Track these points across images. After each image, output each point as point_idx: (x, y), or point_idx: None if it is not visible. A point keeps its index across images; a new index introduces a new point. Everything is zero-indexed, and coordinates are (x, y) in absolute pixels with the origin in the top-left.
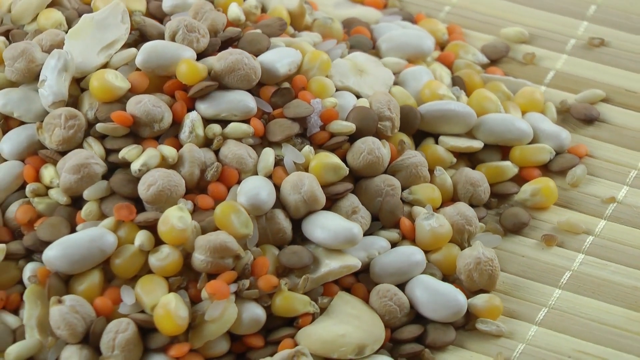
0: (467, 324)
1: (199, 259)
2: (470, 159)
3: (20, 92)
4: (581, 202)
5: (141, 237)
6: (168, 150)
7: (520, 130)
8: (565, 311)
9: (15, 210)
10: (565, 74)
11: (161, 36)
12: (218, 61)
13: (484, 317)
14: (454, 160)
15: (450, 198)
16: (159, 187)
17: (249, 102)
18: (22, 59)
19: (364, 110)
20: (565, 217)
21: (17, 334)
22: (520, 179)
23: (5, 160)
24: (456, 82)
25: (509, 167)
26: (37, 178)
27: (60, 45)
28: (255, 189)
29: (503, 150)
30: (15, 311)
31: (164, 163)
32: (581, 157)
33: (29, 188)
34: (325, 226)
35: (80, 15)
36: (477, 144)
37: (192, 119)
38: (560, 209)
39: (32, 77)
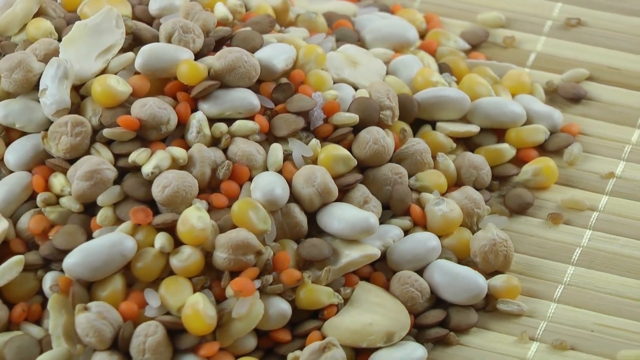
0: (487, 306)
1: (221, 257)
2: (466, 143)
3: (21, 103)
4: (581, 179)
5: (161, 239)
6: (178, 152)
7: (514, 113)
8: (582, 287)
9: (28, 221)
10: (547, 55)
11: (155, 39)
12: (218, 60)
13: (503, 297)
14: (454, 145)
15: (454, 183)
16: (174, 188)
17: (252, 99)
18: (19, 70)
19: (365, 100)
20: (569, 195)
21: (43, 344)
22: (517, 161)
23: (11, 172)
24: (443, 69)
25: (507, 149)
26: (47, 187)
27: (54, 53)
28: (270, 184)
29: (497, 133)
30: (37, 322)
31: (174, 164)
32: (574, 136)
33: (40, 198)
34: (341, 217)
35: (69, 24)
36: (474, 128)
37: (198, 119)
38: (561, 187)
39: (30, 87)
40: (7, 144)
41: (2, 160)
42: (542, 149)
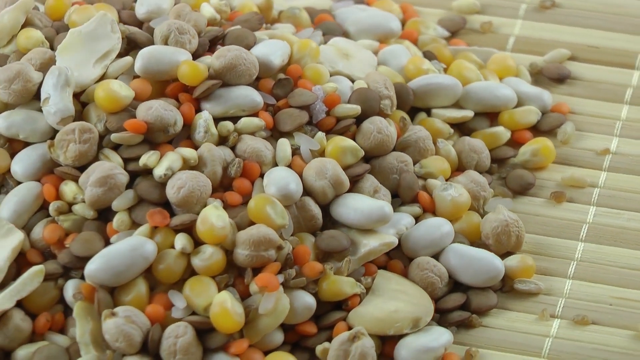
0: (504, 286)
1: (243, 254)
2: (460, 129)
3: (23, 114)
4: (577, 157)
5: (182, 240)
6: (188, 152)
7: (506, 96)
8: (594, 262)
9: (42, 231)
10: (525, 38)
11: (150, 42)
12: (217, 59)
13: (519, 277)
14: (452, 131)
15: (456, 168)
16: (189, 189)
17: (255, 96)
18: (19, 80)
19: (365, 91)
20: (569, 173)
21: (71, 353)
22: (513, 143)
23: (19, 183)
24: (427, 57)
25: (503, 132)
26: (57, 196)
27: (50, 62)
28: (284, 179)
29: (489, 117)
30: (61, 331)
31: (185, 165)
32: (565, 115)
33: (52, 206)
34: (356, 208)
35: (58, 33)
36: (469, 113)
37: (205, 119)
38: (559, 166)
39: (29, 97)
40: (11, 155)
41: (7, 172)
42: (535, 129)
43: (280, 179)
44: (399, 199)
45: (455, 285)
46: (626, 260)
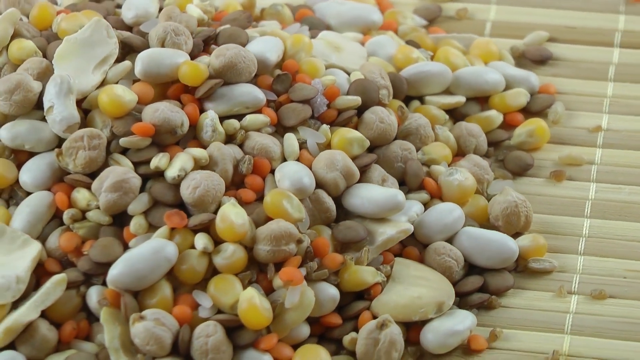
0: (518, 267)
1: (264, 249)
2: (452, 115)
3: (27, 124)
4: (570, 136)
5: (203, 240)
6: (199, 152)
7: (495, 80)
8: (602, 237)
9: (58, 240)
10: (502, 23)
11: (145, 45)
12: (217, 58)
13: (532, 256)
14: (447, 117)
15: (455, 153)
16: (205, 188)
17: (257, 93)
18: (19, 91)
19: (364, 82)
20: (565, 152)
21: (100, 359)
22: (505, 126)
23: (28, 194)
24: (412, 46)
25: (496, 116)
26: (70, 204)
27: (47, 71)
28: (297, 173)
29: (479, 101)
30: (86, 338)
31: (196, 165)
32: (553, 95)
33: (66, 215)
34: (370, 197)
35: (49, 42)
36: (461, 99)
37: (211, 118)
38: (553, 145)
39: (30, 108)
40: (17, 166)
41: (15, 183)
42: (526, 111)
43: (293, 173)
44: (405, 186)
45: (470, 268)
46: (634, 234)
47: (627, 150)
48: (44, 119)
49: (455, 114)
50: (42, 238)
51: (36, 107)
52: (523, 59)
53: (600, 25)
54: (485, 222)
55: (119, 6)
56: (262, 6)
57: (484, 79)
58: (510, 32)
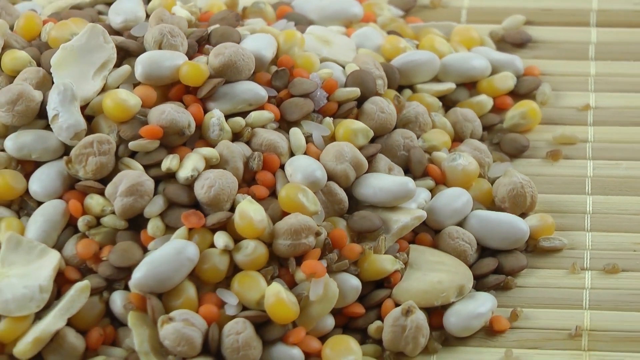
0: (528, 246)
1: (284, 244)
2: (443, 101)
3: (32, 134)
4: (560, 116)
5: (223, 239)
6: (209, 152)
7: (481, 65)
8: (607, 212)
9: (76, 247)
10: (477, 9)
11: (141, 49)
12: (216, 57)
13: (541, 235)
14: (440, 104)
15: (453, 139)
16: (219, 187)
17: (259, 90)
18: (22, 101)
19: (361, 73)
20: (559, 132)
21: None
22: (495, 109)
23: (39, 203)
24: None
25: (486, 100)
26: (84, 211)
27: (45, 80)
28: (309, 166)
29: (467, 87)
30: (112, 343)
31: (207, 165)
32: (538, 77)
33: (82, 221)
34: (381, 187)
35: (41, 52)
36: (451, 85)
37: (217, 117)
38: (544, 126)
39: (32, 117)
40: (27, 176)
41: (24, 194)
42: (513, 94)
43: (305, 167)
44: (409, 174)
45: (482, 250)
46: (637, 207)
47: (618, 126)
48: (46, 128)
49: (446, 101)
50: (57, 247)
51: (37, 117)
52: (503, 43)
53: (575, 5)
54: (491, 205)
55: (100, 12)
56: (243, 5)
57: (471, 64)
58: (485, 17)
